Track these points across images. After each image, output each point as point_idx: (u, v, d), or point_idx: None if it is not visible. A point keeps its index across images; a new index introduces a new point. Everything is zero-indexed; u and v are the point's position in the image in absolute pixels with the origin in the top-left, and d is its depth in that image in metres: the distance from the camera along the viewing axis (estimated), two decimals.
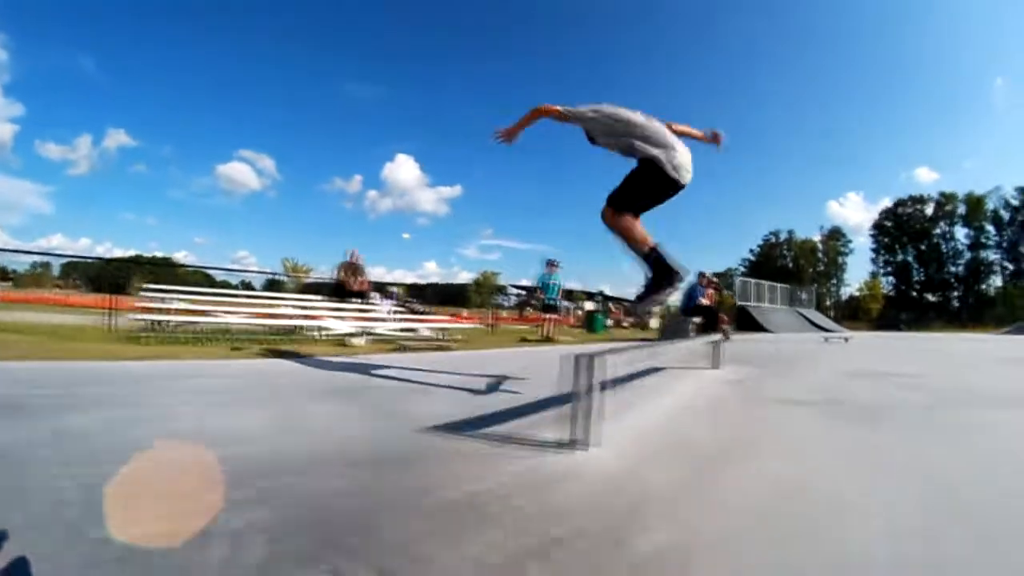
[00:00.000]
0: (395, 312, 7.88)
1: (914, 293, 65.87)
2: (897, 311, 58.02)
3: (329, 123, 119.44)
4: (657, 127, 2.98)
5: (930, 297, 64.82)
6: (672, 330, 10.12)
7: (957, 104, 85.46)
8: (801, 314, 15.99)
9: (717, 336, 5.56)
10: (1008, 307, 54.10)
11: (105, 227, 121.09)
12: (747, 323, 15.13)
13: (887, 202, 70.55)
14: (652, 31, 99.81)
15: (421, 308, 7.91)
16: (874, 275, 67.94)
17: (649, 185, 2.89)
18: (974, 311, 57.56)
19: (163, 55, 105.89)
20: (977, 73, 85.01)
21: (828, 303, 66.22)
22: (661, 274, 2.83)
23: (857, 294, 66.92)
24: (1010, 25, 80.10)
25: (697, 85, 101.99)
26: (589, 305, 19.53)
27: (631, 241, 2.85)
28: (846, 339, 13.11)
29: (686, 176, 2.90)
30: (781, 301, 18.29)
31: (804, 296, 22.32)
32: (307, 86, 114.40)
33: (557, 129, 3.09)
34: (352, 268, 8.23)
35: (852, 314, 60.05)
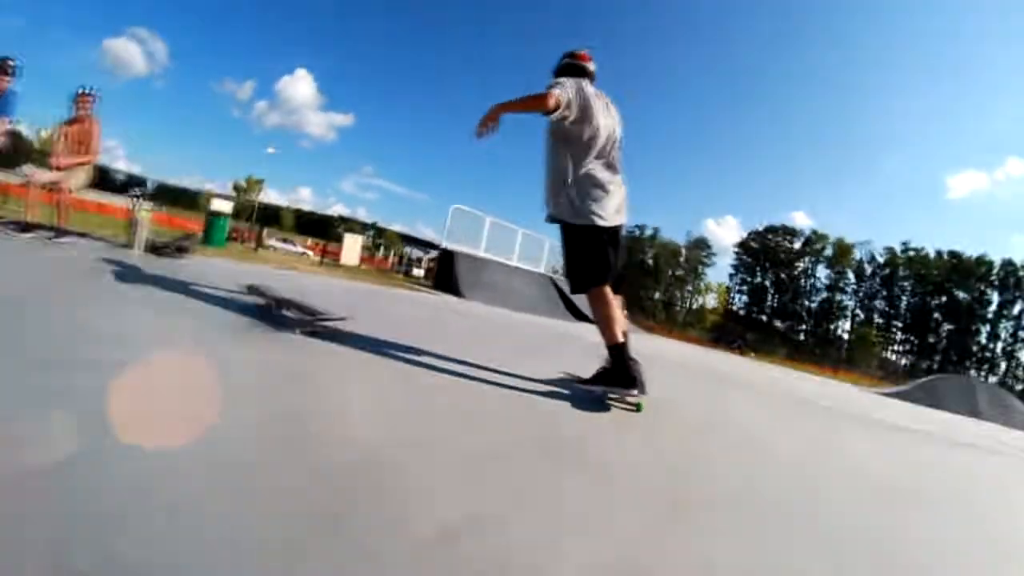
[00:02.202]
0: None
1: (763, 317, 69.52)
2: (743, 328, 60.73)
3: (233, 16, 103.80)
4: None
5: (778, 324, 68.73)
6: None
7: (847, 162, 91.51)
8: (555, 285, 12.52)
9: None
10: (858, 349, 58.71)
11: None
12: (448, 280, 10.10)
13: (759, 228, 73.07)
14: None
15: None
16: (728, 289, 70.57)
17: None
18: (820, 346, 61.85)
19: None
20: (873, 140, 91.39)
21: (677, 307, 68.23)
22: (619, 377, 2.18)
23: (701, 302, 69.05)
24: (914, 115, 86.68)
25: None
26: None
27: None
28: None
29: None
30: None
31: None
32: None
33: None
34: None
35: (688, 323, 62.24)
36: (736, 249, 72.98)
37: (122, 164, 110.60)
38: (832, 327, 67.60)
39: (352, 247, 15.36)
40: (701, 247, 72.06)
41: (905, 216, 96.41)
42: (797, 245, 69.19)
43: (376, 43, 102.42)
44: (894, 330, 65.07)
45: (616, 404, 2.17)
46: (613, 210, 2.28)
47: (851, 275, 67.32)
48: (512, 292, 11.00)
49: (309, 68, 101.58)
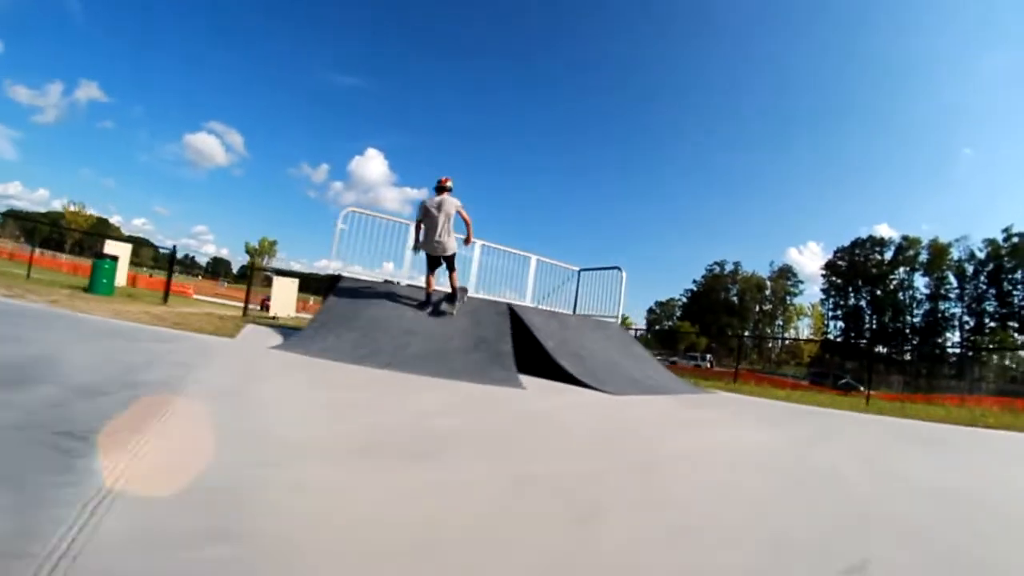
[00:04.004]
0: None
1: (863, 341, 59.84)
2: (842, 357, 51.68)
3: (304, 108, 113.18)
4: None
5: (880, 349, 58.74)
6: None
7: (926, 168, 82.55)
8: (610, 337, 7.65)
9: None
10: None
11: (66, 181, 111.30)
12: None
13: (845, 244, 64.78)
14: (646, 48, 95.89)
15: None
16: (823, 316, 61.66)
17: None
18: (931, 368, 51.52)
19: (150, 12, 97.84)
20: (947, 141, 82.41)
21: (769, 345, 59.84)
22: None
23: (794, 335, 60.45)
24: (978, 100, 78.05)
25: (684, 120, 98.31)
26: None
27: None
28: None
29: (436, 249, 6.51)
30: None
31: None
32: (288, 67, 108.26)
33: None
34: None
35: (783, 360, 53.81)
36: (823, 272, 64.81)
37: (211, 248, 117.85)
38: (940, 340, 57.02)
39: (285, 293, 11.16)
40: (787, 276, 64.49)
41: (996, 207, 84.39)
42: (888, 256, 60.28)
43: (443, 121, 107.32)
44: (1010, 332, 53.74)
45: None
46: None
47: (952, 279, 57.28)
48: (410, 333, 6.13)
49: (379, 147, 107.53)
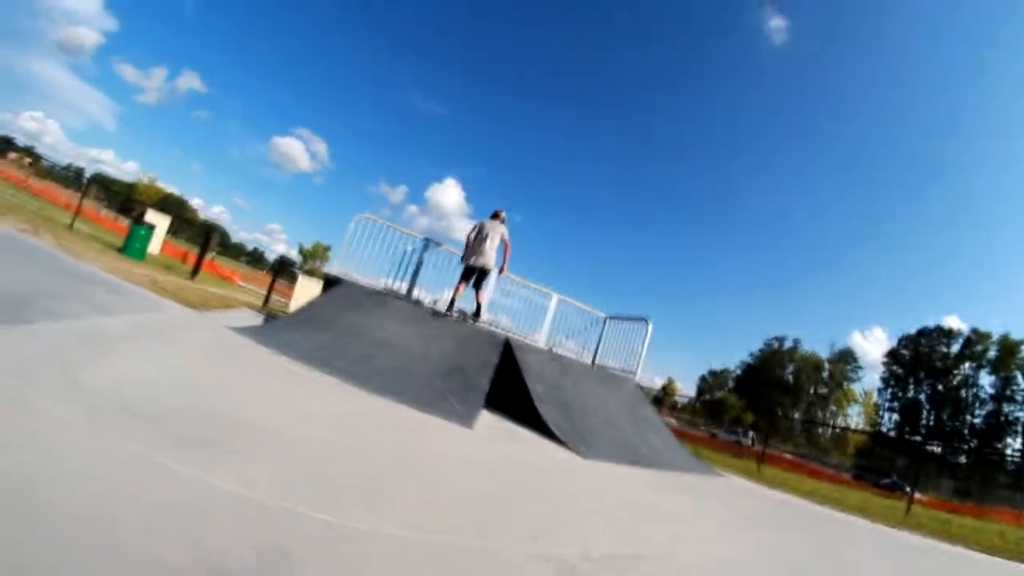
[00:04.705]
0: None
1: (918, 438, 54.81)
2: (892, 452, 47.35)
3: (392, 128, 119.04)
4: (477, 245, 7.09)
5: (934, 448, 53.52)
6: None
7: (1002, 259, 77.08)
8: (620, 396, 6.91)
9: None
10: None
11: (156, 158, 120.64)
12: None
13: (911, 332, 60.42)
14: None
15: None
16: (876, 407, 57.18)
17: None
18: (987, 475, 46.28)
19: (261, 13, 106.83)
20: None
21: (820, 430, 55.75)
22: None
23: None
24: None
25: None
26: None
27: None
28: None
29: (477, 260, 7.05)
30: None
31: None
32: (383, 85, 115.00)
33: None
34: None
35: (828, 449, 49.90)
36: (885, 360, 60.63)
37: (282, 247, 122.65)
38: (999, 445, 51.35)
39: (307, 293, 11.13)
40: (847, 360, 60.64)
41: None
42: (955, 349, 55.74)
43: (520, 160, 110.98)
44: None
45: None
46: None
47: (1021, 379, 52.02)
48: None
49: (458, 177, 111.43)
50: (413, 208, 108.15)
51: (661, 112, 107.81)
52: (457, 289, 7.27)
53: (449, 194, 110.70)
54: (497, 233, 7.09)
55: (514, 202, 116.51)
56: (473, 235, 7.19)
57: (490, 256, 7.03)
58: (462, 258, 7.29)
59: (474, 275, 7.17)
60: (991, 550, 5.66)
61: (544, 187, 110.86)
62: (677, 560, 2.46)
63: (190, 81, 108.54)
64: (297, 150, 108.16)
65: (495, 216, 7.30)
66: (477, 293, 7.22)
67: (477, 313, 7.30)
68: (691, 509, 4.10)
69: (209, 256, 18.81)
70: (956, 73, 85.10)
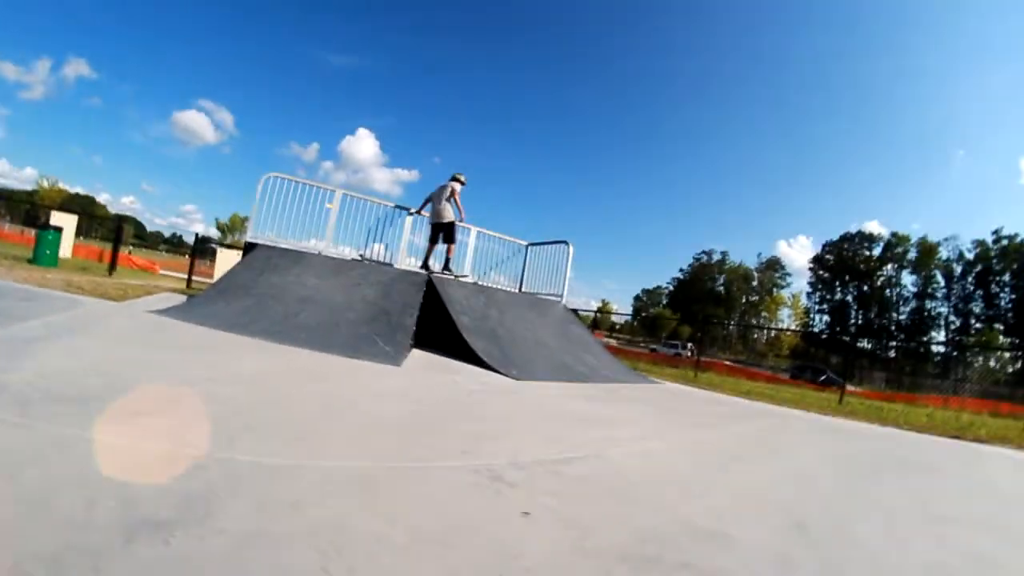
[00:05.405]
0: None
1: (847, 337, 59.93)
2: (825, 351, 51.55)
3: (294, 86, 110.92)
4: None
5: (864, 345, 58.77)
6: None
7: (919, 167, 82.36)
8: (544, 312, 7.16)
9: None
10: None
11: (53, 159, 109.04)
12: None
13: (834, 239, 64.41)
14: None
15: None
16: (807, 310, 61.56)
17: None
18: (915, 367, 51.18)
19: None
20: (940, 142, 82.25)
21: (755, 336, 59.85)
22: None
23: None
24: (974, 104, 77.84)
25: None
26: None
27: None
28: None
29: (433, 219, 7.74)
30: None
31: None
32: (279, 44, 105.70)
33: None
34: None
35: (766, 352, 53.81)
36: (811, 266, 64.62)
37: (200, 227, 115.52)
38: (924, 339, 57.14)
39: (229, 265, 10.90)
40: (774, 268, 64.27)
41: (986, 209, 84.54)
42: (877, 252, 60.17)
43: (433, 105, 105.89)
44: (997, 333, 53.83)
45: None
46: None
47: (940, 278, 57.31)
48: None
49: (370, 128, 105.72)
50: (328, 164, 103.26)
51: (582, 32, 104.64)
52: (429, 250, 7.91)
53: (363, 145, 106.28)
54: (446, 190, 7.65)
55: (434, 145, 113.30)
56: (428, 196, 7.96)
57: (443, 211, 7.62)
58: (418, 211, 8.24)
59: (435, 232, 7.80)
60: (920, 428, 6.10)
61: (465, 127, 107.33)
62: (605, 458, 2.64)
63: (78, 68, 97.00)
64: (200, 122, 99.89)
65: (454, 178, 7.87)
66: (448, 248, 7.81)
67: (447, 266, 7.78)
68: (625, 415, 4.26)
69: (126, 250, 17.80)
70: None
